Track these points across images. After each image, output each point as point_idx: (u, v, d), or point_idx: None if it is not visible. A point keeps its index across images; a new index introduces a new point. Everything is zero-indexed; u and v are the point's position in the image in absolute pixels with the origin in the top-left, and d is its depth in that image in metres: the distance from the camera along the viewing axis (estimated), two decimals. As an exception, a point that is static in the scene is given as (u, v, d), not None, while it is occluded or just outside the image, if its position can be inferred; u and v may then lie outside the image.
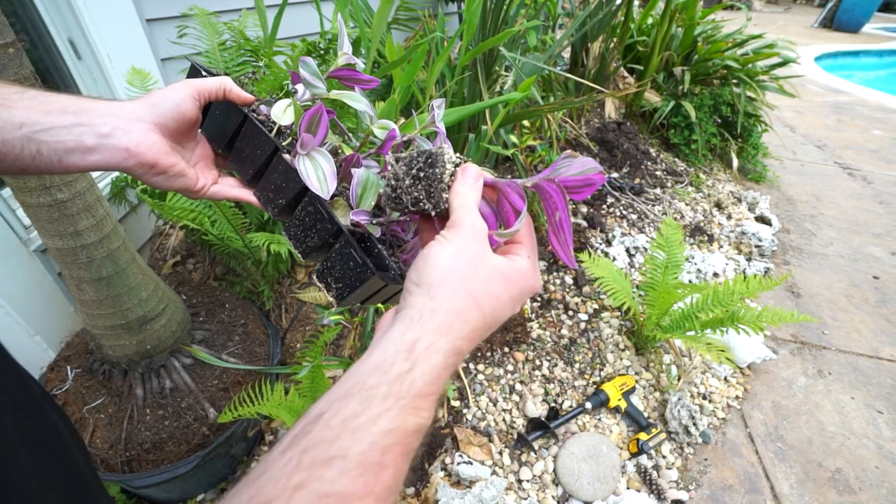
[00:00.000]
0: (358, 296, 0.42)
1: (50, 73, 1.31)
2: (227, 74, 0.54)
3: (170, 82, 1.57)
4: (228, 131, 0.47)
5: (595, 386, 1.55)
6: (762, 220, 2.49)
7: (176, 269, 1.58)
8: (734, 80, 2.72)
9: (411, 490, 1.23)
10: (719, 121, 2.83)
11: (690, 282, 1.96)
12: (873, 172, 3.18)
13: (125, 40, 1.38)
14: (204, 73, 0.49)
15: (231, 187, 0.49)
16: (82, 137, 0.38)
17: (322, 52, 1.35)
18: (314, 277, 0.44)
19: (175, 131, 0.44)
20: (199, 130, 0.50)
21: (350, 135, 0.55)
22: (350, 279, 0.40)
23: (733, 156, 2.79)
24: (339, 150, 0.50)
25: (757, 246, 2.23)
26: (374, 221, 0.43)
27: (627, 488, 1.33)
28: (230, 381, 1.18)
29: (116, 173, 1.36)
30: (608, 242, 2.06)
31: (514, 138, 1.91)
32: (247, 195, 0.48)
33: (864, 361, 1.78)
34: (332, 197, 0.43)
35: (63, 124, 0.38)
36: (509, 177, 2.23)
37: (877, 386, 1.68)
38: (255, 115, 0.47)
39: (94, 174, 1.39)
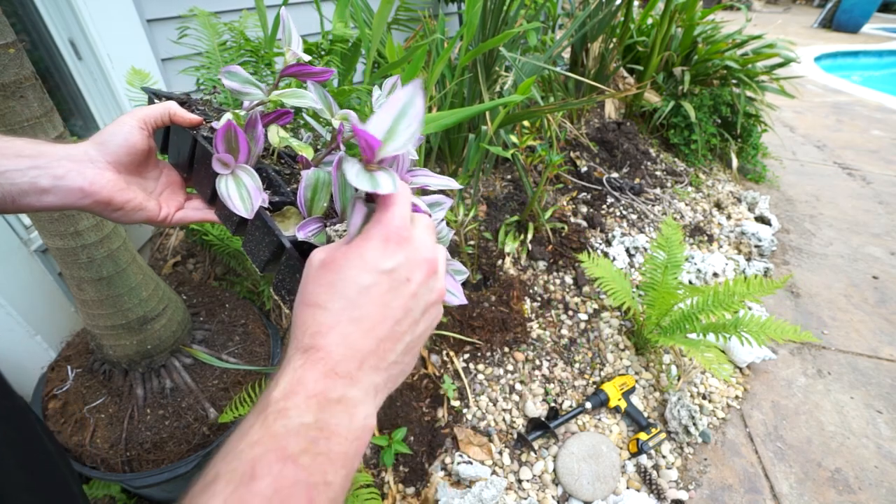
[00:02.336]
0: None
1: (50, 74, 1.32)
2: (185, 96, 0.53)
3: (170, 83, 1.57)
4: (184, 155, 0.47)
5: (595, 386, 1.55)
6: (762, 220, 2.50)
7: (176, 269, 1.58)
8: (734, 81, 2.72)
9: (411, 490, 1.23)
10: (719, 121, 2.84)
11: (690, 282, 1.96)
12: (873, 172, 3.18)
13: (126, 40, 1.38)
14: (157, 99, 0.49)
15: (196, 210, 0.49)
16: (37, 180, 0.39)
17: (323, 52, 1.35)
18: (272, 290, 0.44)
19: (129, 165, 0.45)
20: (166, 158, 0.50)
21: (325, 133, 0.53)
22: None
23: (733, 156, 2.80)
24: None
25: (756, 246, 2.23)
26: (328, 224, 0.40)
27: (627, 488, 1.33)
28: (230, 380, 1.18)
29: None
30: (608, 242, 2.06)
31: (514, 138, 1.91)
32: (211, 215, 0.48)
33: (864, 361, 1.78)
34: (283, 206, 0.42)
35: (18, 167, 0.39)
36: (508, 179, 2.23)
37: (876, 386, 1.69)
38: (209, 133, 0.46)
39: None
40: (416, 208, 0.38)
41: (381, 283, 0.31)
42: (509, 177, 2.26)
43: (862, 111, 4.30)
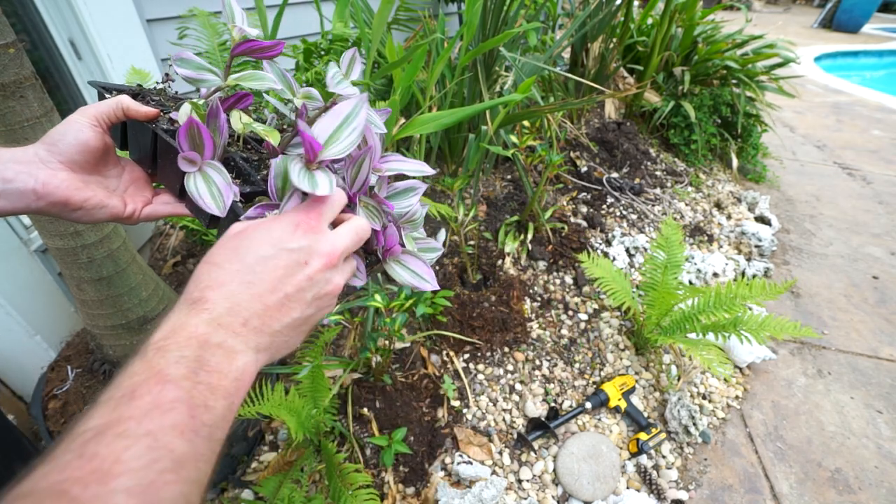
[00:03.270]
0: None
1: (50, 74, 1.32)
2: (137, 88, 0.51)
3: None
4: (146, 150, 0.46)
5: (595, 386, 1.55)
6: (762, 220, 2.50)
7: (176, 269, 1.58)
8: (734, 81, 2.72)
9: (411, 490, 1.23)
10: (719, 121, 2.84)
11: (690, 282, 1.96)
12: (873, 172, 3.18)
13: (125, 40, 1.38)
14: (108, 94, 0.47)
15: (165, 204, 0.48)
16: None
17: (323, 52, 1.35)
18: None
19: (85, 164, 0.44)
20: (128, 154, 0.49)
21: (289, 112, 0.51)
22: None
23: (733, 156, 2.80)
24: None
25: (756, 246, 2.23)
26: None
27: (627, 488, 1.33)
28: (230, 380, 1.18)
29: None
30: (608, 242, 2.06)
31: (514, 138, 1.91)
32: (182, 209, 0.48)
33: (864, 361, 1.78)
34: (255, 196, 0.42)
35: None
36: (508, 179, 2.22)
37: (876, 386, 1.69)
38: (170, 125, 0.45)
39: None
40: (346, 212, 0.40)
41: (280, 258, 0.33)
42: (509, 177, 2.26)
43: (862, 111, 4.30)
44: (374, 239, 0.43)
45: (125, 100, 0.44)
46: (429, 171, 0.46)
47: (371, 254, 0.45)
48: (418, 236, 0.49)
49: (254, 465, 1.27)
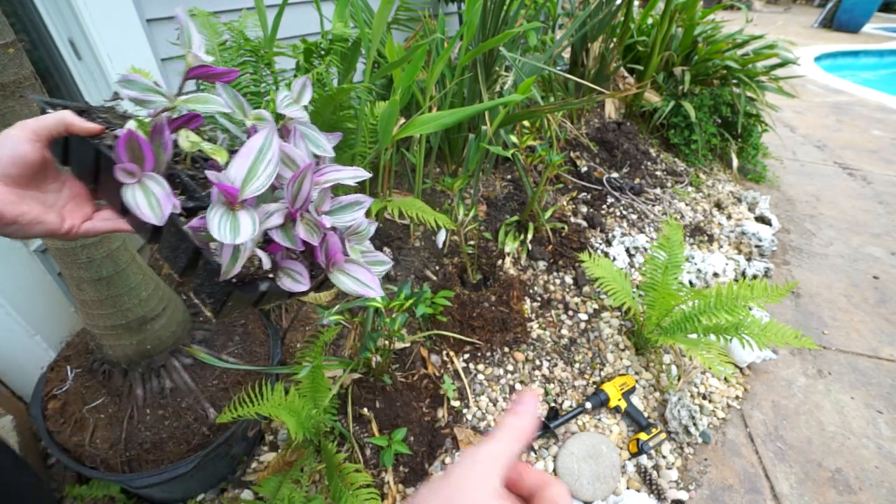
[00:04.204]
0: (232, 307, 0.42)
1: (50, 74, 1.31)
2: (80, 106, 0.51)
3: (170, 82, 1.57)
4: (88, 166, 0.45)
5: (595, 386, 1.55)
6: (762, 220, 2.50)
7: (176, 270, 1.58)
8: (734, 81, 2.72)
9: (411, 490, 1.23)
10: (719, 121, 2.83)
11: (690, 282, 1.96)
12: (873, 172, 3.18)
13: (125, 40, 1.38)
14: (52, 109, 0.46)
15: (106, 220, 0.47)
16: None
17: (323, 52, 1.35)
18: (192, 294, 0.43)
19: (21, 178, 0.43)
20: (69, 169, 0.48)
21: (241, 134, 0.52)
22: (219, 294, 0.40)
23: (733, 156, 2.80)
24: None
25: (757, 246, 2.23)
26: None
27: (627, 488, 1.33)
28: (230, 381, 1.18)
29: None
30: (608, 242, 2.06)
31: (514, 138, 1.91)
32: (123, 225, 0.47)
33: (864, 361, 1.78)
34: (198, 211, 0.42)
35: None
36: (508, 179, 2.23)
37: (876, 386, 1.68)
38: (113, 142, 0.44)
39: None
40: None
41: None
42: (509, 177, 2.26)
43: (862, 111, 4.30)
44: (315, 251, 0.44)
45: (68, 115, 0.43)
46: (364, 175, 0.47)
47: (315, 265, 0.46)
48: (365, 250, 0.50)
49: (253, 465, 1.27)
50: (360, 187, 1.88)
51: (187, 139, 0.45)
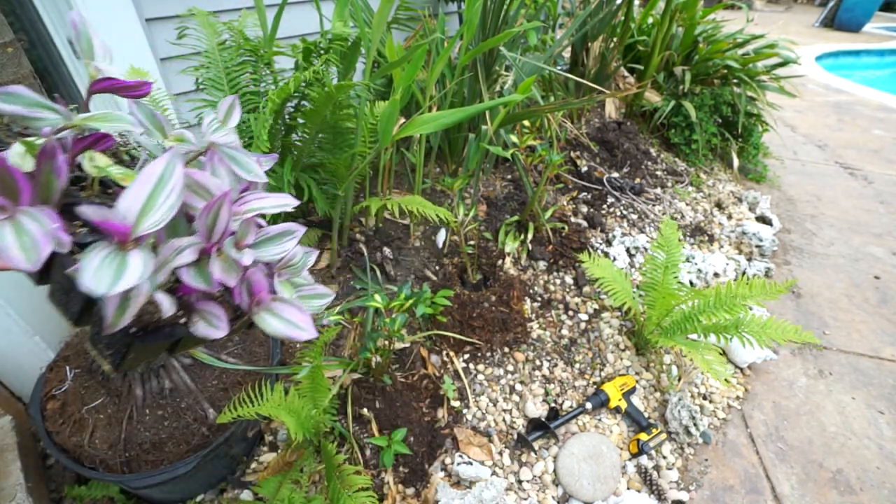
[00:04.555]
0: (136, 359, 0.36)
1: (48, 73, 1.31)
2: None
3: (169, 82, 1.57)
4: None
5: (595, 386, 1.54)
6: (763, 219, 2.49)
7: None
8: (735, 80, 2.72)
9: (411, 490, 1.23)
10: (720, 121, 2.83)
11: (691, 282, 1.96)
12: (874, 172, 3.17)
13: (124, 40, 1.37)
14: None
15: None
16: None
17: (323, 51, 1.35)
18: (88, 346, 0.38)
19: None
20: None
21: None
22: (118, 345, 0.36)
23: (734, 156, 2.79)
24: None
25: (757, 246, 2.22)
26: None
27: (628, 489, 1.32)
28: (230, 381, 1.18)
29: (116, 173, 1.36)
30: (608, 242, 2.05)
31: (514, 138, 1.91)
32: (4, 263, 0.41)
33: (865, 361, 1.78)
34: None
35: None
36: (508, 178, 2.22)
37: (878, 386, 1.68)
38: None
39: (94, 174, 1.39)
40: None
41: None
42: (509, 176, 2.26)
43: (863, 111, 4.29)
44: (233, 293, 0.39)
45: None
46: (291, 203, 0.42)
47: (237, 308, 0.40)
48: (302, 282, 0.46)
49: (253, 465, 1.26)
50: (359, 186, 1.88)
51: (92, 163, 0.40)
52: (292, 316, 0.41)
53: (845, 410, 1.59)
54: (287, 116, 1.38)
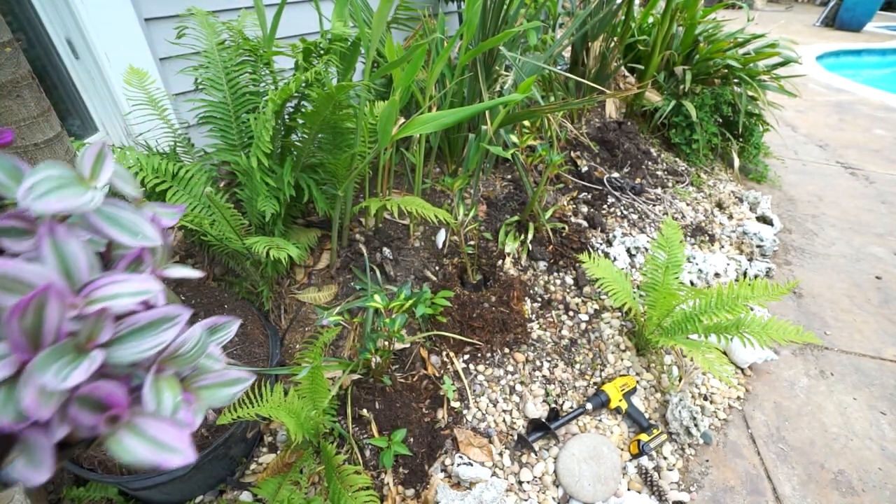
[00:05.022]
0: None
1: (47, 73, 1.31)
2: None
3: (168, 82, 1.56)
4: None
5: (596, 387, 1.54)
6: (763, 220, 2.48)
7: (175, 270, 1.58)
8: (735, 80, 2.71)
9: (411, 492, 1.22)
10: (720, 120, 2.82)
11: (691, 282, 1.95)
12: (876, 172, 3.17)
13: (123, 39, 1.37)
14: None
15: None
16: None
17: (322, 52, 1.34)
18: None
19: None
20: None
21: None
22: None
23: (734, 155, 2.78)
24: None
25: (758, 246, 2.22)
26: None
27: (628, 489, 1.32)
28: (229, 382, 1.17)
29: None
30: (609, 243, 2.05)
31: (514, 138, 1.90)
32: None
33: (867, 362, 1.77)
34: None
35: None
36: (508, 179, 2.21)
37: (879, 387, 1.67)
38: None
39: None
40: None
41: None
42: (509, 177, 2.25)
43: (864, 110, 4.28)
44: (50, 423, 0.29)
45: None
46: (154, 289, 0.33)
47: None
48: (209, 367, 0.36)
49: (252, 466, 1.26)
50: (359, 186, 1.88)
51: None
52: (162, 434, 0.30)
53: (847, 411, 1.59)
54: (287, 117, 1.38)
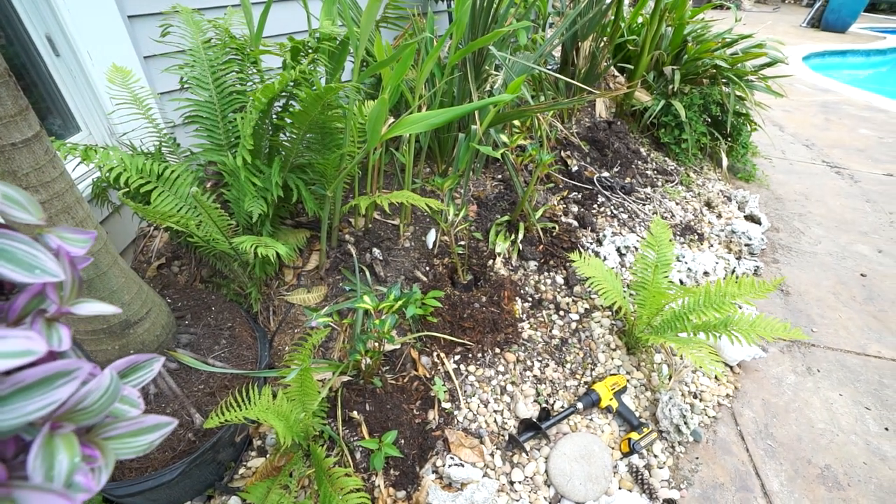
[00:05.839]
0: None
1: (26, 71, 1.28)
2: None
3: (153, 80, 1.54)
4: None
5: (586, 386, 1.54)
6: (751, 218, 2.51)
7: (161, 272, 1.55)
8: (723, 80, 2.74)
9: (402, 494, 1.22)
10: (709, 120, 2.85)
11: (681, 281, 1.97)
12: (860, 171, 3.22)
13: (106, 37, 1.34)
14: None
15: None
16: None
17: (311, 51, 1.33)
18: None
19: None
20: None
21: None
22: None
23: (723, 155, 2.81)
24: None
25: (746, 244, 2.24)
26: None
27: (619, 488, 1.32)
28: (217, 385, 1.16)
29: (98, 173, 1.34)
30: (599, 242, 2.05)
31: (504, 138, 1.90)
32: None
33: (852, 358, 1.80)
34: None
35: None
36: (499, 178, 2.21)
37: (864, 382, 1.70)
38: None
39: (75, 174, 1.36)
40: None
41: None
42: (500, 176, 2.25)
43: (850, 110, 4.35)
44: None
45: None
46: (37, 350, 0.27)
47: None
48: (123, 413, 0.33)
49: (241, 471, 1.24)
50: (349, 187, 1.86)
51: None
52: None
53: (833, 407, 1.61)
54: (275, 116, 1.36)
